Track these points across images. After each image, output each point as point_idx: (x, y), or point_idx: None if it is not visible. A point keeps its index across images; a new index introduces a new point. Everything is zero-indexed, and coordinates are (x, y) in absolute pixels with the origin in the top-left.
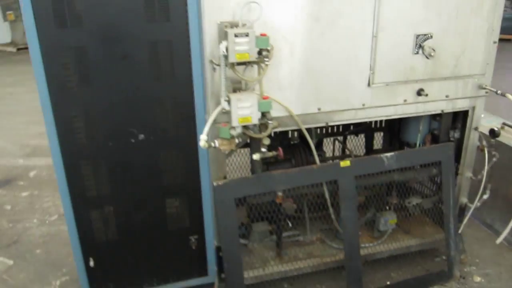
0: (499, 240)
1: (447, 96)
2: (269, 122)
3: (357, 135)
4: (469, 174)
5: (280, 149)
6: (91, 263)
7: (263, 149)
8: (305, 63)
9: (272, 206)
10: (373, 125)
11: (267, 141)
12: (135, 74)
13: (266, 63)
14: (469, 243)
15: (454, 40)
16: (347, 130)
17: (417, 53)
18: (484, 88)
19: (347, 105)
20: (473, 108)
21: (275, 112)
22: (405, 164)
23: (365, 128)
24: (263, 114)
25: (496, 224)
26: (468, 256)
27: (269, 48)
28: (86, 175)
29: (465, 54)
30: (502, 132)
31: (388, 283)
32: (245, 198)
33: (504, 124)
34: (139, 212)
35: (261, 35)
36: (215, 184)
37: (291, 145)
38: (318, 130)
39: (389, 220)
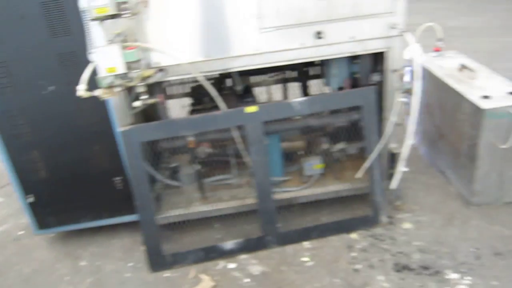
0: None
1: (352, 38)
2: (136, 71)
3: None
4: (393, 119)
5: (161, 95)
6: (31, 199)
7: (143, 96)
8: (194, 13)
9: (185, 150)
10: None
11: (141, 89)
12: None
13: (126, 15)
14: (417, 189)
15: None
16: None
17: None
18: (395, 28)
19: (241, 51)
20: (389, 49)
21: (167, 61)
22: (319, 109)
23: (299, 75)
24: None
25: (448, 172)
26: (407, 203)
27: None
28: (14, 124)
29: None
30: (459, 74)
31: (309, 225)
32: (153, 142)
33: (463, 66)
34: (64, 156)
35: None
36: (120, 130)
37: (224, 94)
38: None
39: (313, 165)
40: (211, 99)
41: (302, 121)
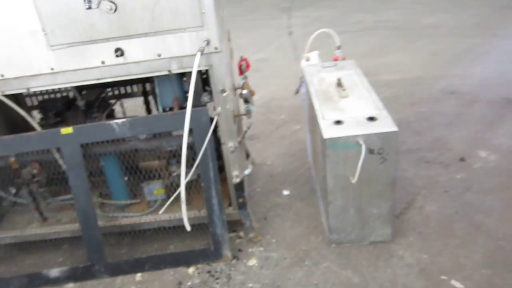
0: None
1: (158, 55)
2: None
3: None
4: (230, 143)
5: None
6: None
7: None
8: None
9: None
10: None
11: None
12: None
13: None
14: (286, 218)
15: None
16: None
17: (90, 8)
18: (209, 44)
19: (36, 70)
20: (211, 67)
21: None
22: (142, 131)
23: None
24: None
25: (319, 201)
26: (268, 234)
27: None
28: None
29: (161, 4)
30: (334, 91)
31: (143, 256)
32: None
33: (339, 81)
34: None
35: None
36: None
37: (72, 109)
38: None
39: (154, 189)
40: (58, 114)
41: (128, 143)
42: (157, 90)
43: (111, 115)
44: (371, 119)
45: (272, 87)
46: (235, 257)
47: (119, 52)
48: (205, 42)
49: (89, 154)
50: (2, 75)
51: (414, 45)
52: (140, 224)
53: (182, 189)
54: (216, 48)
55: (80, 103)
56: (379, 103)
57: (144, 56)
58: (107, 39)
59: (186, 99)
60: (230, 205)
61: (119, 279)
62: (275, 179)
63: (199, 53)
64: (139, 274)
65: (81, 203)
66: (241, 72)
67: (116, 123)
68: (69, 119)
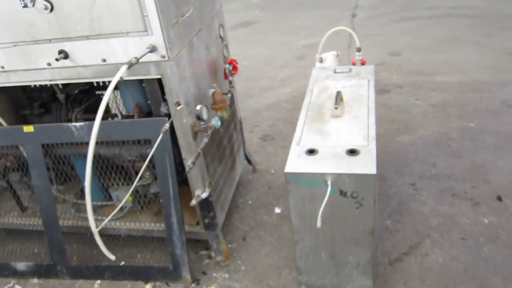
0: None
1: (104, 60)
2: None
3: None
4: (190, 160)
5: None
6: None
7: None
8: None
9: None
10: None
11: None
12: None
13: None
14: (265, 243)
15: None
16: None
17: (26, 6)
18: (153, 50)
19: None
20: (163, 76)
21: None
22: (101, 137)
23: None
24: None
25: None
26: (239, 259)
27: None
28: None
29: (98, 4)
30: (330, 105)
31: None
32: None
33: (338, 95)
34: None
35: None
36: None
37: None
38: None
39: (121, 196)
40: (43, 105)
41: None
42: (122, 94)
43: (92, 109)
44: (352, 152)
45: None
46: (195, 280)
47: (63, 54)
48: (148, 49)
49: (59, 154)
50: None
51: (489, 40)
52: (106, 229)
53: (87, 198)
54: (163, 57)
55: (60, 96)
56: (372, 130)
57: (89, 61)
58: (49, 40)
59: (148, 106)
60: (198, 223)
61: (79, 283)
62: (272, 192)
63: (125, 66)
64: (98, 281)
65: (43, 202)
66: (226, 76)
67: (75, 126)
68: (53, 110)
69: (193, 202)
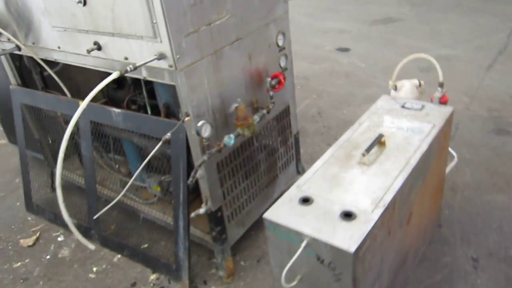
0: None
1: (126, 59)
2: None
3: None
4: (199, 172)
5: None
6: None
7: None
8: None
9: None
10: None
11: None
12: None
13: None
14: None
15: None
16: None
17: None
18: (162, 58)
19: (46, 44)
20: (176, 85)
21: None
22: (131, 127)
23: None
24: None
25: None
26: (240, 280)
27: None
28: None
29: (117, 5)
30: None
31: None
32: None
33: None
34: None
35: None
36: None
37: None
38: None
39: (152, 184)
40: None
41: (127, 133)
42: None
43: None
44: (347, 216)
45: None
46: (194, 286)
47: (96, 45)
48: (155, 56)
49: (103, 132)
50: (33, 43)
51: None
52: (139, 211)
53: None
54: (170, 66)
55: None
56: (389, 195)
57: (116, 56)
58: (86, 31)
59: (177, 106)
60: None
61: (104, 251)
62: None
63: (116, 73)
64: (118, 256)
65: (87, 170)
66: (267, 89)
67: (114, 112)
68: (124, 88)
69: (192, 215)
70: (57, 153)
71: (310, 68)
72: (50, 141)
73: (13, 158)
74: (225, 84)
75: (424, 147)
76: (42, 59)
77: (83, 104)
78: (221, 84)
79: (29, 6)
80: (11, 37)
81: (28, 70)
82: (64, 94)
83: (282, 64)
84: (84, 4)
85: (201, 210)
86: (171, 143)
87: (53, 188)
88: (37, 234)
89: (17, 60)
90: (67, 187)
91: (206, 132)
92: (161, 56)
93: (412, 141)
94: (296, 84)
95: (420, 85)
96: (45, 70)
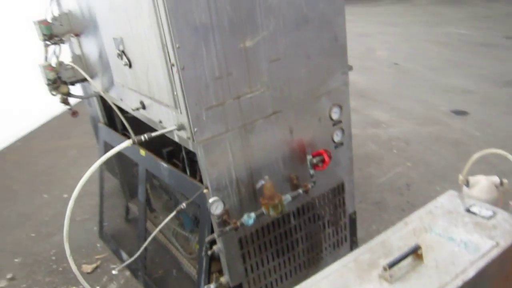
0: None
1: (160, 122)
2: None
3: None
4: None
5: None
6: None
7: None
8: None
9: None
10: None
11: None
12: None
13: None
14: None
15: (136, 49)
16: None
17: (120, 57)
18: (182, 129)
19: (114, 94)
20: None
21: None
22: (173, 183)
23: None
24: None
25: None
26: None
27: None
28: None
29: (149, 72)
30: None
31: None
32: None
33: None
34: None
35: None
36: (98, 125)
37: None
38: None
39: (193, 241)
40: None
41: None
42: None
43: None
44: None
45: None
46: None
47: (141, 105)
48: (175, 127)
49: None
50: (108, 91)
51: None
52: (180, 262)
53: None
54: (188, 138)
55: None
56: None
57: (154, 117)
58: (134, 90)
59: None
60: None
61: None
62: None
63: (128, 141)
64: None
65: (140, 215)
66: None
67: (162, 165)
68: None
69: (212, 286)
70: (131, 189)
71: (414, 130)
72: (126, 177)
73: (107, 183)
74: (256, 158)
75: (471, 273)
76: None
77: (95, 166)
78: (250, 157)
79: (106, 61)
80: (93, 84)
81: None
82: None
83: (337, 139)
84: (130, 66)
85: (215, 284)
86: (200, 207)
87: (127, 220)
88: (98, 263)
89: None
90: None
91: (217, 210)
92: (181, 127)
93: (458, 261)
94: (393, 147)
95: (502, 184)
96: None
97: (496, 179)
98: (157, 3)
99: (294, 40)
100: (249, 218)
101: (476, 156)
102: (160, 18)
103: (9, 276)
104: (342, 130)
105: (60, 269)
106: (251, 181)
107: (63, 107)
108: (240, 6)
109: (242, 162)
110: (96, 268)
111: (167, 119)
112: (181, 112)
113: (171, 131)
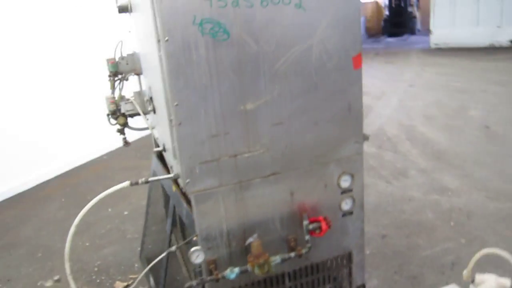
0: None
1: (171, 167)
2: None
3: None
4: None
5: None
6: None
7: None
8: None
9: None
10: None
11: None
12: None
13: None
14: None
15: (156, 99)
16: None
17: (149, 104)
18: (178, 177)
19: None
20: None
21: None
22: (187, 223)
23: None
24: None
25: None
26: None
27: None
28: None
29: (162, 121)
30: None
31: None
32: None
33: None
34: None
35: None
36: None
37: None
38: None
39: None
40: None
41: None
42: None
43: None
44: None
45: None
46: None
47: (163, 147)
48: (172, 174)
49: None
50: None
51: None
52: None
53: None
54: (182, 188)
55: None
56: None
57: (168, 161)
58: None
59: None
60: None
61: None
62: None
63: (127, 183)
64: None
65: (164, 246)
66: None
67: (183, 204)
68: None
69: None
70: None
71: (482, 204)
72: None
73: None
74: (250, 215)
75: None
76: None
77: (86, 208)
78: (244, 213)
79: None
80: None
81: None
82: None
83: (345, 207)
84: (154, 112)
85: None
86: None
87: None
88: (129, 282)
89: None
90: None
91: (198, 259)
92: (176, 176)
93: None
94: (452, 218)
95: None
96: None
97: (507, 282)
98: (163, 63)
99: (300, 105)
100: (231, 272)
101: (485, 251)
102: (165, 77)
103: (56, 278)
104: (353, 199)
105: (98, 281)
106: (243, 236)
107: None
108: (243, 72)
109: (235, 216)
110: (126, 286)
111: (174, 166)
112: (178, 163)
113: (168, 178)
